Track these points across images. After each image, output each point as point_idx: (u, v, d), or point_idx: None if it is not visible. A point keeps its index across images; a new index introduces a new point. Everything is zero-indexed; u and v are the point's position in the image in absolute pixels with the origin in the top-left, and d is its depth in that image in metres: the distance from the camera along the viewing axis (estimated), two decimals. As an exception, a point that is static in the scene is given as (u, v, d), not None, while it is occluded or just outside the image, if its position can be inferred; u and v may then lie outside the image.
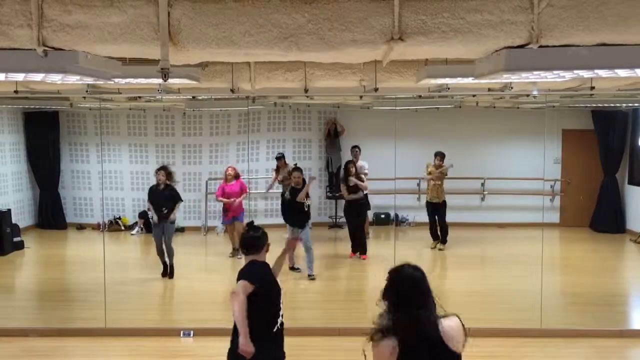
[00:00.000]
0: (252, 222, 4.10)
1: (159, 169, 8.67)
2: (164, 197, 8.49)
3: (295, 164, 9.55)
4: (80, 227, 12.38)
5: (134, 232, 11.78)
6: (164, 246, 8.39)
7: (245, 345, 3.52)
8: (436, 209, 10.21)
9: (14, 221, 10.73)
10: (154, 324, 7.09)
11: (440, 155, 10.30)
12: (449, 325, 2.63)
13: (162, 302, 7.93)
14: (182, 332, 6.56)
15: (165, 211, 8.41)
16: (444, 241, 10.09)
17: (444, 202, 10.15)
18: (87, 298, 7.76)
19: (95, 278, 7.87)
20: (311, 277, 8.31)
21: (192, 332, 6.56)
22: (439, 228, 10.15)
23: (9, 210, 10.64)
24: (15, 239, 10.55)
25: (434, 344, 2.56)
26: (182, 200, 8.81)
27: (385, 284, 2.70)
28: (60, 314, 7.18)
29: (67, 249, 11.78)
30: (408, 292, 2.64)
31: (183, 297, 7.96)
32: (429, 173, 10.26)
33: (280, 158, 10.77)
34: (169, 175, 8.61)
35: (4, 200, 11.16)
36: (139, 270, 8.13)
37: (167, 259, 8.46)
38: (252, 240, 3.85)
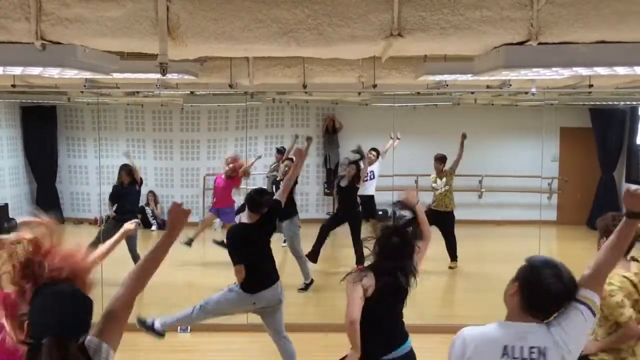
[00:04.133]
0: (261, 188, 5.43)
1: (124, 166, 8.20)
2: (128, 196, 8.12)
3: (288, 157, 9.24)
4: (78, 222, 12.36)
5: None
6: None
7: None
8: (442, 219, 8.73)
9: (11, 216, 10.72)
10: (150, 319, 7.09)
11: (439, 160, 9.06)
12: None
13: (159, 297, 7.92)
14: (179, 327, 6.56)
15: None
16: (455, 257, 8.90)
17: (452, 213, 9.03)
18: (84, 293, 7.75)
19: (92, 273, 7.86)
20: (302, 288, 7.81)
21: (189, 327, 6.57)
22: (446, 242, 8.85)
23: (6, 204, 10.64)
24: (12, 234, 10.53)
25: (399, 286, 3.57)
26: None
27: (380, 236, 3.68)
28: (57, 308, 7.17)
29: (64, 244, 11.77)
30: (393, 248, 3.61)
31: (180, 292, 7.95)
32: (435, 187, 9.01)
33: (282, 152, 10.50)
34: (131, 173, 8.20)
35: (1, 194, 11.14)
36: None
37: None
38: (252, 200, 4.94)
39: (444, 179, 8.97)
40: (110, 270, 8.06)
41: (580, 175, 12.21)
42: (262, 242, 5.03)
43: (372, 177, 9.69)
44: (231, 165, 9.01)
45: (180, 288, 8.13)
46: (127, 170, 8.17)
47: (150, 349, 6.16)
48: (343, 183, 8.70)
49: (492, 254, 10.40)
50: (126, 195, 8.11)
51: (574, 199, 12.21)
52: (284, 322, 5.07)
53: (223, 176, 9.17)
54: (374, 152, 9.94)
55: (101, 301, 6.93)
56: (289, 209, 7.67)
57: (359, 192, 9.02)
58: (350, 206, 8.76)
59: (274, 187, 8.27)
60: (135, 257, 8.08)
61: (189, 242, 9.10)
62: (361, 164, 8.91)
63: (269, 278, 4.97)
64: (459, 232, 8.95)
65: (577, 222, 12.08)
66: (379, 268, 3.62)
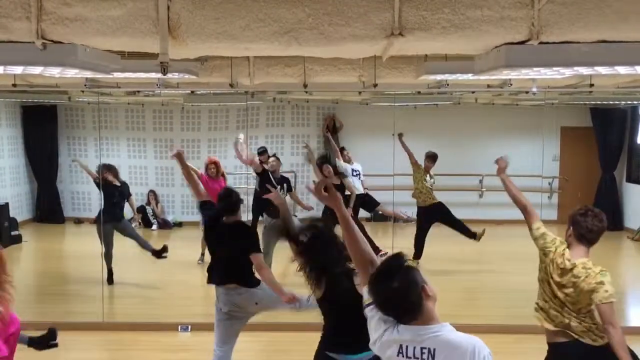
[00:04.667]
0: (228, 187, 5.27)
1: (109, 169, 8.27)
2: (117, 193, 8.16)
3: (274, 154, 9.24)
4: (78, 221, 12.37)
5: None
6: (111, 248, 7.97)
7: None
8: (438, 213, 8.82)
9: (11, 215, 10.73)
10: (151, 318, 7.10)
11: (432, 159, 9.01)
12: None
13: (159, 297, 7.94)
14: (179, 326, 6.57)
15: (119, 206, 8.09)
16: (473, 235, 8.72)
17: (440, 203, 8.93)
18: (85, 292, 7.76)
19: (92, 272, 7.88)
20: None
21: (189, 327, 6.57)
22: (457, 228, 8.75)
23: (7, 204, 10.64)
24: (13, 233, 10.55)
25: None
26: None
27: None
28: (58, 307, 7.18)
29: (65, 243, 11.79)
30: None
31: (180, 292, 7.96)
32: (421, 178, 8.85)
33: (262, 153, 9.96)
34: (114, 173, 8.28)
35: (2, 194, 11.15)
36: (136, 265, 8.14)
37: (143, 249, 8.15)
38: (233, 201, 4.77)
39: (433, 179, 9.05)
40: (119, 269, 8.09)
41: (581, 174, 12.21)
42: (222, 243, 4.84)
43: (355, 174, 9.74)
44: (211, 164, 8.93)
45: (182, 285, 8.15)
46: (113, 172, 8.22)
47: (151, 348, 6.16)
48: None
49: (492, 253, 10.40)
50: (115, 193, 8.15)
51: (574, 199, 12.18)
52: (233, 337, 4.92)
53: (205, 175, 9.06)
54: (345, 150, 10.21)
55: (102, 302, 6.92)
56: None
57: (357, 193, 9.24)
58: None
59: (263, 182, 8.23)
60: (139, 240, 8.09)
61: (202, 258, 9.16)
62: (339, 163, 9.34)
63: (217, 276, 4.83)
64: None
65: (578, 221, 12.06)
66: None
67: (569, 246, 3.66)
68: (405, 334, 2.36)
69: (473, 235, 8.77)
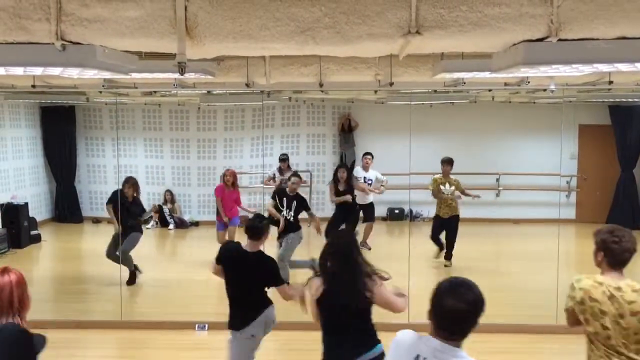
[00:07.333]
0: (259, 214, 4.97)
1: (127, 182, 8.18)
2: (132, 208, 8.05)
3: (295, 171, 8.94)
4: (96, 220, 12.49)
5: (148, 226, 11.81)
6: (117, 253, 7.87)
7: None
8: (446, 224, 8.86)
9: (31, 215, 10.87)
10: (168, 317, 7.15)
11: (448, 163, 8.90)
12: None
13: (176, 296, 7.99)
14: (196, 325, 6.61)
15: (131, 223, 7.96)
16: (448, 257, 8.81)
17: (457, 217, 8.87)
18: (103, 291, 7.83)
19: (110, 271, 7.94)
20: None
21: (206, 326, 6.61)
22: (446, 243, 8.87)
23: (26, 203, 10.77)
24: (32, 233, 10.68)
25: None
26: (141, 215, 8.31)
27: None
28: (77, 306, 7.25)
29: (83, 243, 11.90)
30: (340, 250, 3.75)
31: (198, 291, 8.00)
32: (438, 190, 8.85)
33: (285, 160, 10.41)
34: (136, 187, 8.18)
35: (21, 194, 11.28)
36: (153, 264, 8.19)
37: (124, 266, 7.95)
38: (254, 229, 4.53)
39: (452, 187, 8.84)
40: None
41: (600, 172, 12.09)
42: (247, 277, 4.72)
43: (370, 183, 9.70)
44: (229, 174, 9.03)
45: (199, 284, 8.20)
46: (134, 186, 8.15)
47: (168, 346, 6.20)
48: (341, 187, 8.89)
49: (510, 252, 10.33)
50: (131, 208, 8.09)
51: (593, 197, 12.08)
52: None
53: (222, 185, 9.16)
54: (369, 157, 9.86)
55: (120, 300, 6.95)
56: (297, 226, 7.79)
57: (360, 202, 9.30)
58: (350, 209, 8.81)
59: (276, 197, 7.99)
60: (125, 260, 7.95)
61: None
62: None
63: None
64: (476, 230, 8.92)
65: (597, 220, 11.87)
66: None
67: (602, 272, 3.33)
68: (428, 344, 2.40)
69: (448, 257, 8.82)
